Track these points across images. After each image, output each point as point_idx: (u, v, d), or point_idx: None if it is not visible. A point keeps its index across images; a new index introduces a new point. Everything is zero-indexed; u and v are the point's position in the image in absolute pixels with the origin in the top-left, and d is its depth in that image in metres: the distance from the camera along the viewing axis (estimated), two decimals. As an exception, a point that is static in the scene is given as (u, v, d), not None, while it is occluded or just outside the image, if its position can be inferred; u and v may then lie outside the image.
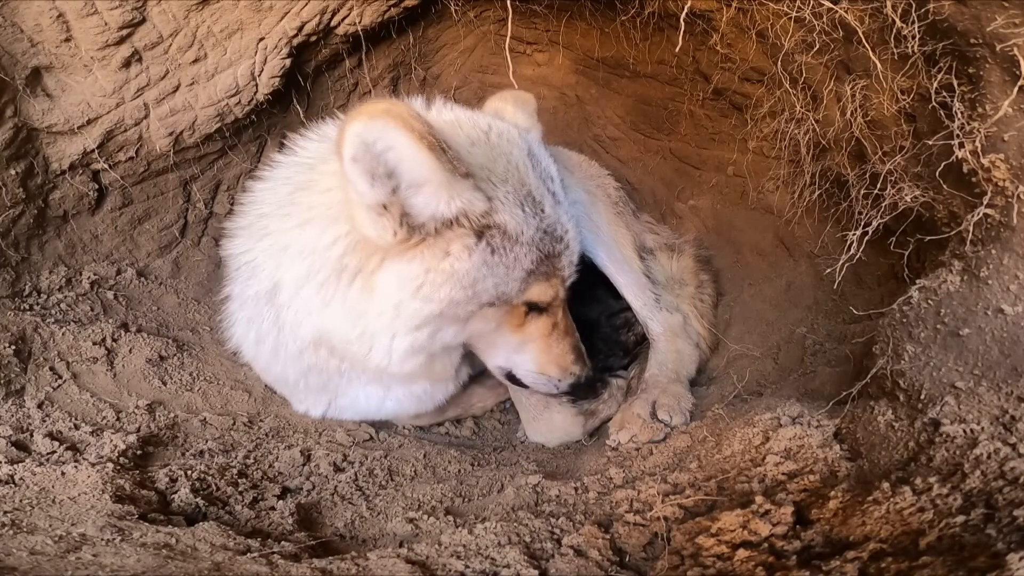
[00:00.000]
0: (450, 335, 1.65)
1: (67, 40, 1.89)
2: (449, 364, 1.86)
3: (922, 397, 1.33)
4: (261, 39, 2.20)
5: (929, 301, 1.43)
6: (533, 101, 1.95)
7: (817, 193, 2.23)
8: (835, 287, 2.01)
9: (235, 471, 1.63)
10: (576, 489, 1.60)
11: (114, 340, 2.05)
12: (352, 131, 1.27)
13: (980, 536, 0.94)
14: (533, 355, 1.84)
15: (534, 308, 1.74)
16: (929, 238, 1.59)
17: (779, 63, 1.99)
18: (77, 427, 1.67)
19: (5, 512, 1.21)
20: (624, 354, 2.55)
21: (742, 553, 1.09)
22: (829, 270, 1.74)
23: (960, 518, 0.99)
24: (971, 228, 1.38)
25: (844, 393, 1.55)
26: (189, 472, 1.53)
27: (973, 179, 1.39)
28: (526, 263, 1.58)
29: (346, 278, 1.55)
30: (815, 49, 1.82)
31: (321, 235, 1.55)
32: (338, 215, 1.53)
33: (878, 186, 1.76)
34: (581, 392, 2.10)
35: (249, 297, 1.73)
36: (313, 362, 1.77)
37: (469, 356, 1.94)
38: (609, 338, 2.56)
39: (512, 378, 1.95)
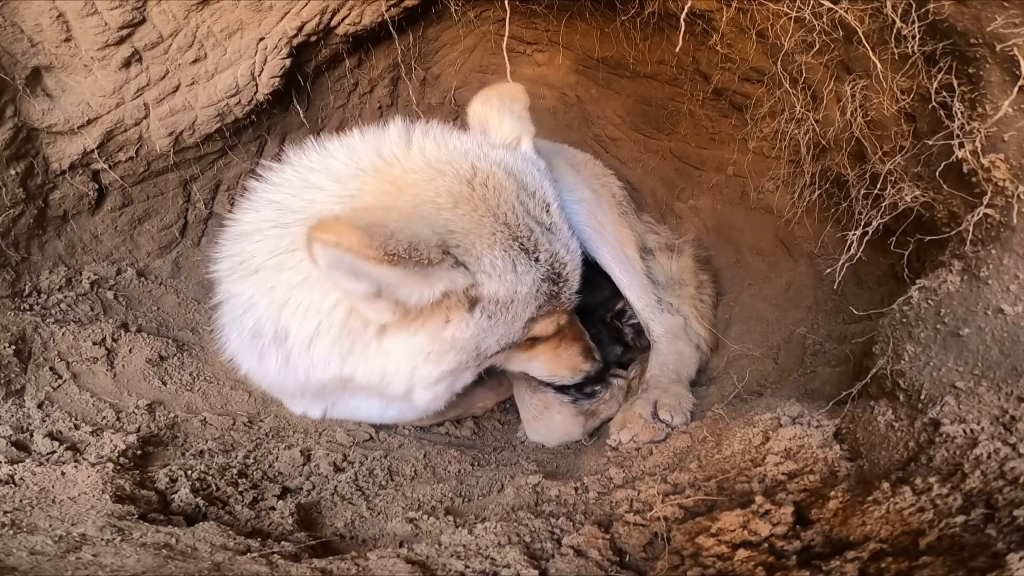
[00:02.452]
0: (467, 377, 1.73)
1: (67, 40, 1.89)
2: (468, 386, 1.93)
3: (922, 397, 1.33)
4: (261, 39, 2.19)
5: (929, 301, 1.43)
6: (523, 96, 1.84)
7: (817, 193, 2.23)
8: (835, 287, 2.01)
9: (235, 471, 1.63)
10: (576, 489, 1.60)
11: (114, 340, 2.05)
12: (317, 250, 1.27)
13: (980, 536, 0.94)
14: (543, 364, 1.94)
15: (538, 339, 1.81)
16: (929, 238, 1.59)
17: (779, 63, 1.99)
18: (77, 427, 1.67)
19: (5, 512, 1.21)
20: (615, 342, 2.57)
21: (742, 553, 1.09)
22: (829, 270, 1.74)
23: (960, 518, 0.99)
24: (971, 228, 1.38)
25: (844, 393, 1.55)
26: (189, 472, 1.53)
27: (973, 179, 1.39)
28: (526, 315, 1.62)
29: (357, 337, 1.57)
30: (815, 49, 1.82)
31: (323, 298, 1.54)
32: None
33: (878, 186, 1.76)
34: (593, 381, 2.25)
35: (247, 329, 1.70)
36: (321, 387, 1.77)
37: None
38: (597, 322, 2.58)
39: (529, 377, 2.09)
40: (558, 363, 1.93)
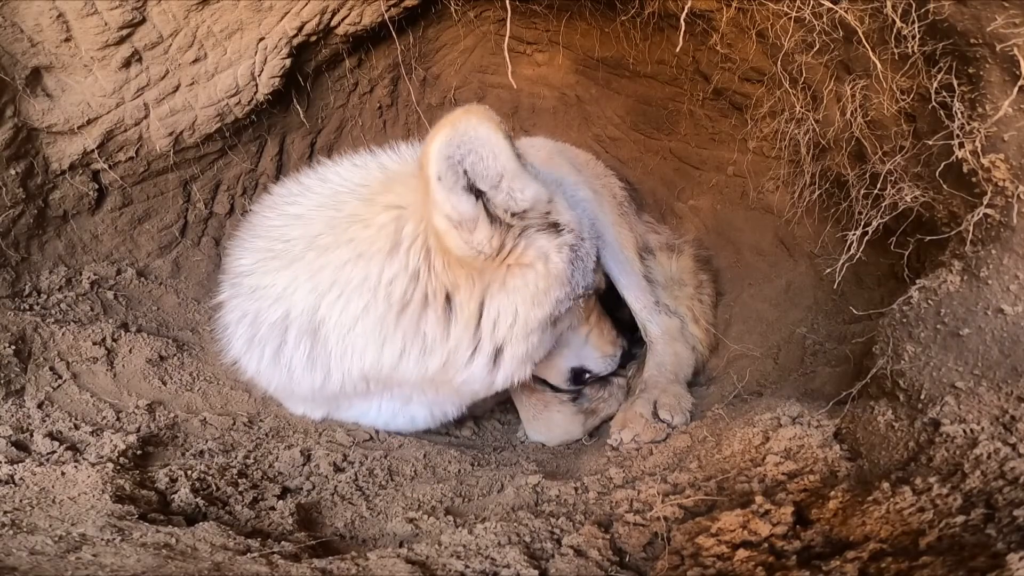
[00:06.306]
0: (548, 340, 1.78)
1: (67, 40, 1.89)
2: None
3: (922, 397, 1.33)
4: (261, 39, 2.19)
5: (929, 301, 1.43)
6: None
7: (817, 193, 2.23)
8: (835, 287, 2.01)
9: (235, 471, 1.63)
10: (576, 489, 1.60)
11: (114, 340, 2.05)
12: (435, 147, 1.33)
13: (980, 536, 0.94)
14: (594, 342, 2.13)
15: (595, 294, 1.98)
16: (929, 238, 1.59)
17: (779, 63, 1.99)
18: (77, 427, 1.67)
19: (5, 512, 1.21)
20: None
21: (742, 553, 1.09)
22: (829, 270, 1.74)
23: (960, 518, 0.99)
24: (971, 228, 1.38)
25: (844, 393, 1.55)
26: (189, 472, 1.53)
27: (973, 179, 1.39)
28: (593, 254, 1.79)
29: (412, 312, 1.57)
30: (815, 49, 1.82)
31: (381, 272, 1.55)
32: (395, 250, 1.54)
33: (878, 186, 1.76)
34: (626, 360, 2.38)
35: (267, 322, 1.68)
36: (339, 389, 1.75)
37: None
38: None
39: (580, 374, 2.20)
40: (603, 339, 2.13)
